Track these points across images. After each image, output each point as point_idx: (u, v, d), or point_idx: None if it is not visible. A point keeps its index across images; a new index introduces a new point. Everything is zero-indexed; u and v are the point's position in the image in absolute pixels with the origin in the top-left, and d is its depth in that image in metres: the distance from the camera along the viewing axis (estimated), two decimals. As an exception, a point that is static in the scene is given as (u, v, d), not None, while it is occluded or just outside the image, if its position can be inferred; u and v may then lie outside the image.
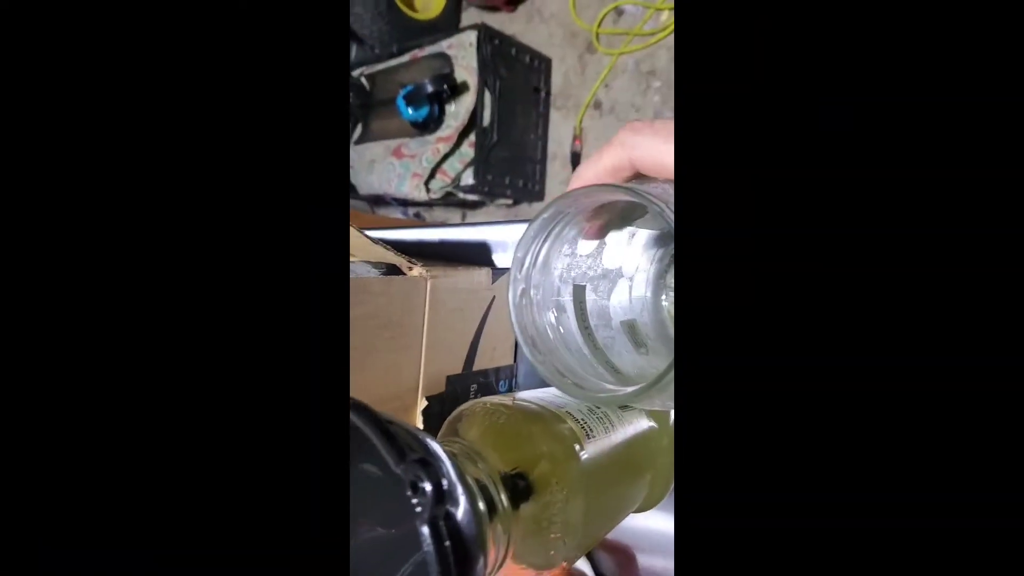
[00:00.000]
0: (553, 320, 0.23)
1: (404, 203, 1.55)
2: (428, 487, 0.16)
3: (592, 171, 0.22)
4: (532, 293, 0.22)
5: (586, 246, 0.25)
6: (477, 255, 0.44)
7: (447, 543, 0.16)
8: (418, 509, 0.16)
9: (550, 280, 0.24)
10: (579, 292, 0.25)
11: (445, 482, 0.16)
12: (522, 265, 0.22)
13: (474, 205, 1.49)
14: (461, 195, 1.34)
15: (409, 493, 0.16)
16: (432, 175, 1.31)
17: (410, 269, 0.35)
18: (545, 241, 0.22)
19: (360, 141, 1.48)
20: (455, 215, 1.57)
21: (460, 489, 0.18)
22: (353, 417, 0.17)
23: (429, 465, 0.16)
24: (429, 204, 1.51)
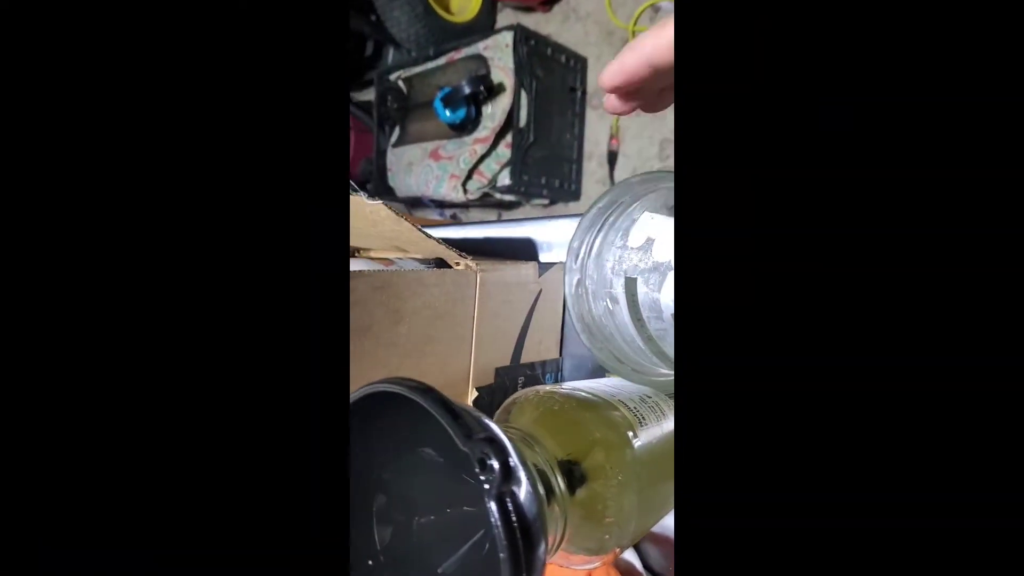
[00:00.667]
0: (607, 310, 0.24)
1: (441, 204, 1.57)
2: (495, 464, 0.16)
3: (613, 70, 0.22)
4: (587, 283, 0.23)
5: (637, 238, 0.26)
6: (521, 252, 0.44)
7: (514, 519, 0.16)
8: (486, 486, 0.16)
9: (603, 272, 0.24)
10: (631, 285, 0.26)
11: (511, 460, 0.17)
12: (577, 255, 0.23)
13: (510, 206, 1.50)
14: (498, 196, 1.35)
15: (477, 470, 0.17)
16: (469, 176, 1.32)
17: (456, 264, 0.36)
18: (599, 231, 0.23)
19: (398, 144, 1.50)
20: (491, 216, 1.58)
21: (522, 470, 0.18)
22: (420, 399, 0.18)
23: (495, 443, 0.17)
24: (466, 205, 1.53)
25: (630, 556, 0.36)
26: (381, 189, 1.55)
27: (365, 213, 0.29)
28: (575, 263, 0.23)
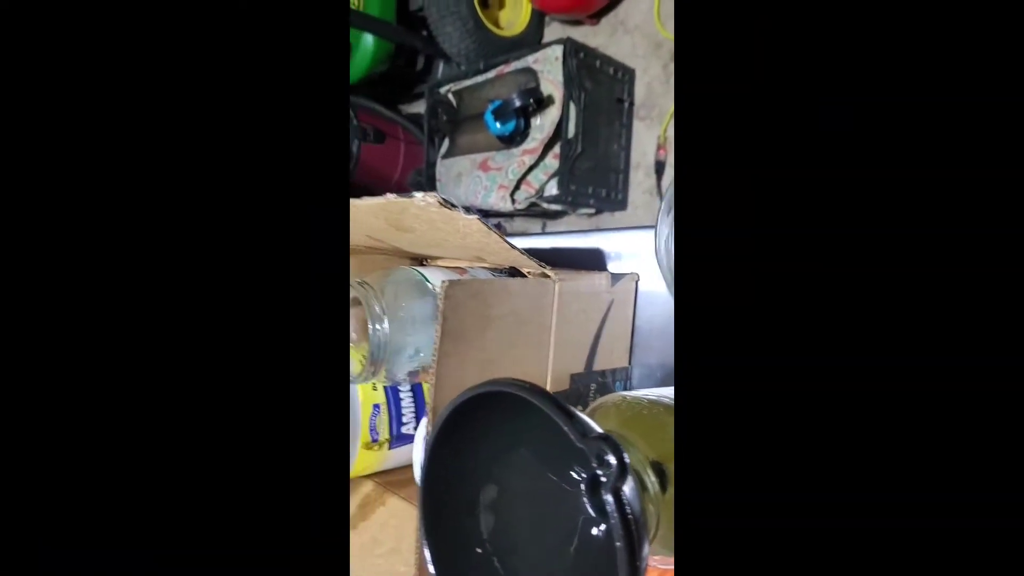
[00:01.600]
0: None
1: (486, 214, 1.59)
2: (613, 460, 0.18)
3: None
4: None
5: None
6: (590, 262, 0.46)
7: (629, 512, 0.18)
8: (603, 480, 0.18)
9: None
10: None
11: (626, 457, 0.18)
12: (671, 208, 0.24)
13: (555, 215, 1.51)
14: (545, 205, 1.37)
15: (594, 465, 0.18)
16: (517, 187, 1.34)
17: (530, 273, 0.37)
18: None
19: (448, 155, 1.54)
20: (536, 225, 1.60)
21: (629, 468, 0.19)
22: (535, 399, 0.20)
23: (610, 441, 0.18)
24: (511, 215, 1.55)
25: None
26: (429, 199, 1.58)
27: (458, 226, 0.31)
28: (667, 216, 0.24)
